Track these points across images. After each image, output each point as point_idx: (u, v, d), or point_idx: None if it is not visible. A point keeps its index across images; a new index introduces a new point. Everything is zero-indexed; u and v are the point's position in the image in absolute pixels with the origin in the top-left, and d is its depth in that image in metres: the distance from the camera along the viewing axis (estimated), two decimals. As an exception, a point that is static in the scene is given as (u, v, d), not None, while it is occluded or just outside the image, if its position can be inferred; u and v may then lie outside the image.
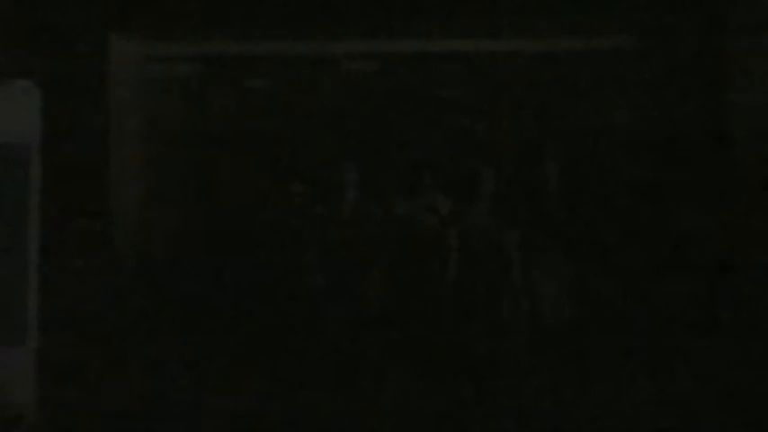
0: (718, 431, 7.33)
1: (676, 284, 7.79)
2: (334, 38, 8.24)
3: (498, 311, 8.02)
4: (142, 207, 8.35)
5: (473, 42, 8.28)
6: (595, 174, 8.23)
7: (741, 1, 7.71)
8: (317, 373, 7.90)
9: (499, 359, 7.94)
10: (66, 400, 7.54)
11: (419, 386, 7.77)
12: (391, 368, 7.93)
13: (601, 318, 7.93)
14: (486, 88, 8.40)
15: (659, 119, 8.08)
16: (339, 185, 8.31)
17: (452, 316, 8.01)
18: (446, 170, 8.30)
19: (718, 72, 7.83)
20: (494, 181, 8.21)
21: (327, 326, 8.08)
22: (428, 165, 8.30)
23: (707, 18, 7.87)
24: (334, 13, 7.96)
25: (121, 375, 7.73)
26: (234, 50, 8.41)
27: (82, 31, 7.90)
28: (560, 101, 8.32)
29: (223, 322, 8.09)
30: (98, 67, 7.93)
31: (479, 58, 8.36)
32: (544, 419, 7.46)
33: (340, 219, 8.24)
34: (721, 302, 7.61)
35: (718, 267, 7.65)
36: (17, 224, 7.59)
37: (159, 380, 7.79)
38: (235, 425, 7.49)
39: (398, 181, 8.29)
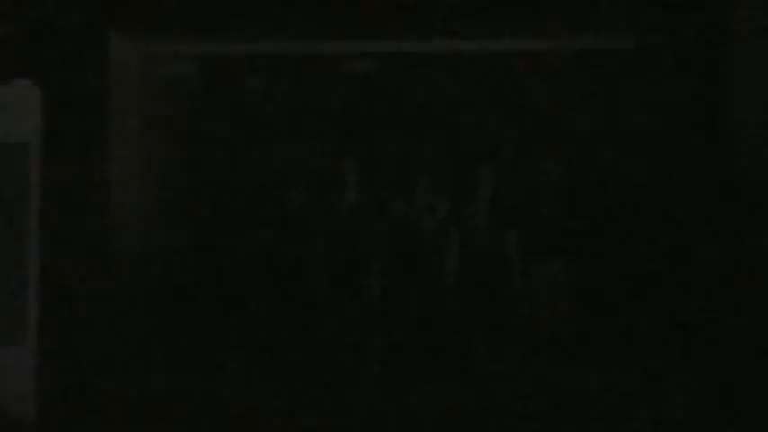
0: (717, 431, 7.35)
1: (676, 285, 7.80)
2: (334, 38, 8.24)
3: (497, 312, 8.04)
4: (142, 206, 8.36)
5: (473, 42, 8.28)
6: (595, 174, 8.24)
7: (742, 2, 7.72)
8: (316, 373, 7.92)
9: (499, 359, 7.96)
10: (66, 400, 7.55)
11: (419, 385, 7.79)
12: (391, 368, 7.94)
13: (599, 319, 7.94)
14: (486, 88, 8.40)
15: (659, 120, 8.09)
16: (339, 185, 8.31)
17: (451, 316, 8.02)
18: (445, 170, 8.31)
19: (718, 72, 7.84)
20: (493, 181, 8.22)
21: (327, 325, 8.09)
22: (427, 165, 8.30)
23: (707, 18, 7.87)
24: (334, 13, 7.96)
25: (121, 375, 7.75)
26: (234, 50, 8.42)
27: (82, 31, 7.90)
28: (560, 101, 8.33)
29: (222, 320, 8.10)
30: (98, 67, 7.94)
31: (479, 58, 8.37)
32: (543, 419, 7.47)
33: (339, 219, 8.24)
34: (721, 302, 7.62)
35: (717, 268, 7.67)
36: (17, 224, 7.60)
37: (159, 378, 7.80)
38: (234, 422, 7.50)
39: (398, 181, 8.30)
